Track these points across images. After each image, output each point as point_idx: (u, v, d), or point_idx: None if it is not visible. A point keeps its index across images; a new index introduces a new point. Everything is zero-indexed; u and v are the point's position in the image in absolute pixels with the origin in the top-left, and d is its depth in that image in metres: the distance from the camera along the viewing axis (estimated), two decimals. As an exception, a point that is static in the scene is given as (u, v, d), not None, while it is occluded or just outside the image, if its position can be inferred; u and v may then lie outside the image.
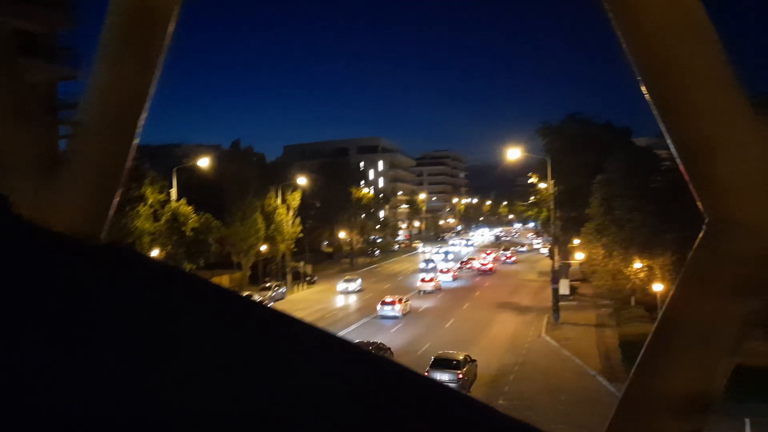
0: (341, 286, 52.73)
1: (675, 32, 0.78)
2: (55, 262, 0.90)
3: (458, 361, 24.81)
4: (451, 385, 16.26)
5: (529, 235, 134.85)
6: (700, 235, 0.98)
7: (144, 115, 0.98)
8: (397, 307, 39.15)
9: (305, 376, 0.83)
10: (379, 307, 40.02)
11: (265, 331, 0.92)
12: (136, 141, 1.00)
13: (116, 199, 1.00)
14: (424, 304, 45.85)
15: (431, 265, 67.69)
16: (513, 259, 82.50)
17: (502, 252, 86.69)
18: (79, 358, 0.78)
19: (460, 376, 23.75)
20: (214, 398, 0.77)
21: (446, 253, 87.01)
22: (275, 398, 0.79)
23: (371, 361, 0.90)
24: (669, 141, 0.91)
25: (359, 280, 54.27)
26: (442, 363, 24.70)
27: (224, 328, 0.88)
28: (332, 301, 48.62)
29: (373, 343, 27.77)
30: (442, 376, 22.70)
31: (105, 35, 0.91)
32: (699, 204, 0.95)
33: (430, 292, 50.77)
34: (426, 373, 23.47)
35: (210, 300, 0.95)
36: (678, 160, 0.92)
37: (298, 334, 0.93)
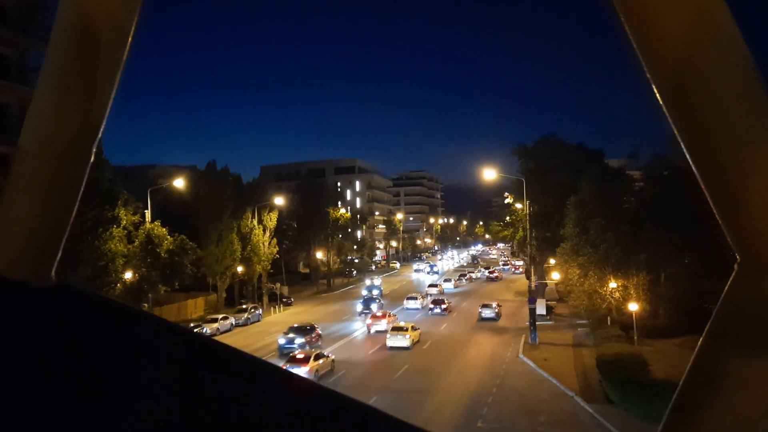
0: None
1: (702, 44, 0.72)
2: None
3: (494, 305, 49.78)
4: (491, 315, 49.07)
5: (494, 254, 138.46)
6: (731, 278, 0.82)
7: (98, 138, 0.91)
8: (419, 300, 56.92)
9: (255, 417, 0.83)
10: (405, 301, 57.19)
11: (217, 371, 0.89)
12: (89, 167, 0.93)
13: (66, 234, 0.94)
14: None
15: (301, 338, 37.35)
16: (520, 270, 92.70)
17: (501, 267, 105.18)
18: (20, 411, 0.78)
19: (497, 311, 49.30)
20: None
21: (368, 301, 53.39)
22: None
23: (318, 393, 0.87)
24: (693, 166, 0.77)
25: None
26: (486, 305, 49.79)
27: (175, 369, 0.87)
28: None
29: (441, 298, 55.96)
30: (487, 310, 49.15)
31: (51, 50, 0.85)
32: (729, 241, 0.81)
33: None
34: (479, 311, 50.13)
35: (164, 341, 0.91)
36: (704, 190, 0.79)
37: (249, 371, 0.89)
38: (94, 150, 0.90)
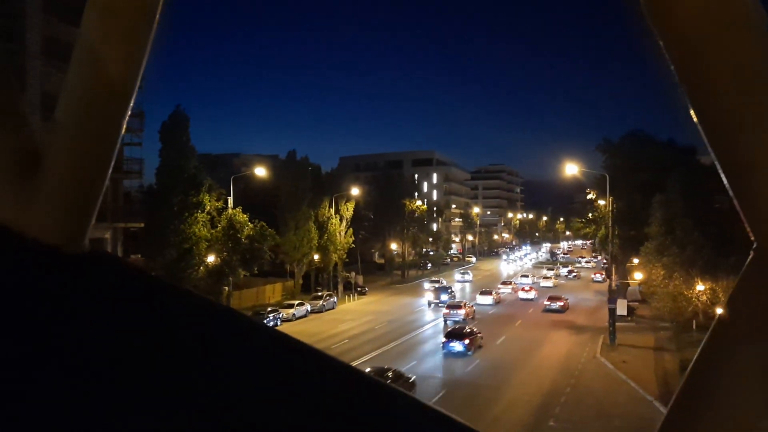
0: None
1: (721, 24, 0.71)
2: (28, 271, 0.88)
3: (560, 298, 53.49)
4: (599, 279, 72.97)
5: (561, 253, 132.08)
6: (747, 262, 0.80)
7: (128, 113, 0.93)
8: (491, 297, 56.70)
9: (293, 396, 0.81)
10: (478, 296, 56.25)
11: (253, 347, 0.89)
12: (120, 140, 0.95)
13: (98, 203, 0.95)
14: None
15: None
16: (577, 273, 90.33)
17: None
18: (53, 371, 0.77)
19: (603, 277, 63.25)
20: (196, 420, 0.76)
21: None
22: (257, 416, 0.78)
23: (363, 381, 0.86)
24: (710, 150, 0.77)
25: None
26: (553, 298, 52.51)
27: (209, 341, 0.87)
28: (382, 312, 48.55)
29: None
30: (553, 305, 51.08)
31: (85, 23, 0.87)
32: (746, 225, 0.79)
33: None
34: (591, 276, 79.04)
35: (193, 315, 0.91)
36: (722, 174, 0.77)
37: (283, 348, 0.88)
38: (125, 123, 0.96)
